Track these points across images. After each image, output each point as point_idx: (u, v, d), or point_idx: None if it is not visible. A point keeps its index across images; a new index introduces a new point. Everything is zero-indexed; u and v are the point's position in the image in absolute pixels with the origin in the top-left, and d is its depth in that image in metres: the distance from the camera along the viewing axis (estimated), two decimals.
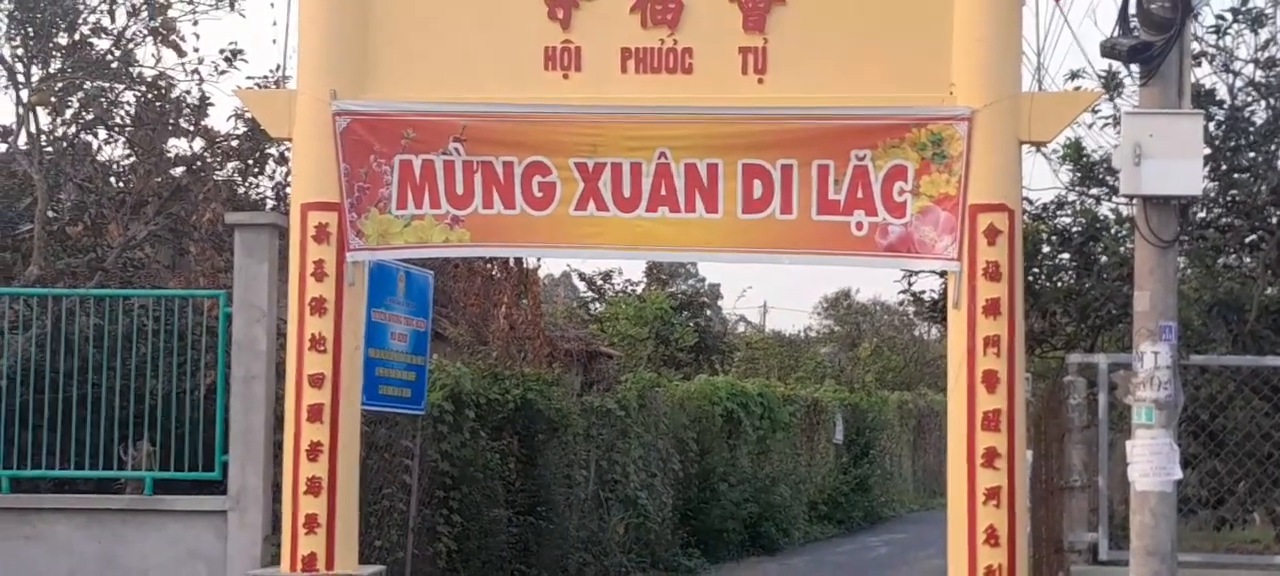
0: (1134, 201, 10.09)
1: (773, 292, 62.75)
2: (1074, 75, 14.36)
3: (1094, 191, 14.76)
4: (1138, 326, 10.03)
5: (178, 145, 15.57)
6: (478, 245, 11.32)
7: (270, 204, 15.32)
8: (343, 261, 10.79)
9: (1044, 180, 64.77)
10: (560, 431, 15.84)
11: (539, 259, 20.24)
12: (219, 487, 11.53)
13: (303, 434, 10.76)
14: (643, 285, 31.63)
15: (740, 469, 21.66)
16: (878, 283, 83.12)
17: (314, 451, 10.78)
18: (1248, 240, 13.91)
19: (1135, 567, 9.89)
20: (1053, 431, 11.44)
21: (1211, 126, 13.52)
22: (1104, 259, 14.30)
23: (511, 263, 19.61)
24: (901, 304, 26.29)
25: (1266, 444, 11.35)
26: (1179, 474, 9.96)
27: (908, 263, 11.92)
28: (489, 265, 19.01)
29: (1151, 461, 9.88)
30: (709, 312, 35.53)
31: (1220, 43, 13.79)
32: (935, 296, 16.17)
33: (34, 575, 11.48)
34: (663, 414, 19.74)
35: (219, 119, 42.86)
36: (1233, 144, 13.71)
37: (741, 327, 41.72)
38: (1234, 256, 13.88)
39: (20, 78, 14.73)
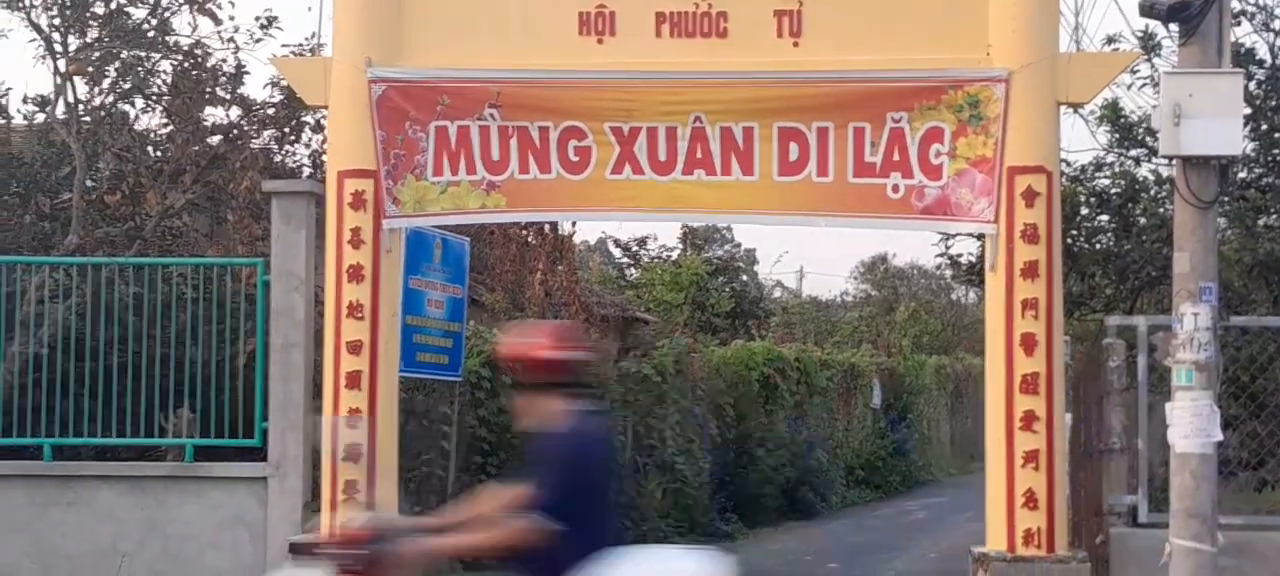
0: (1173, 162, 10.03)
1: (809, 258, 62.67)
2: (1110, 40, 14.26)
3: (1133, 152, 14.68)
4: (1177, 288, 9.97)
5: (214, 114, 15.62)
6: (514, 211, 11.34)
7: (307, 172, 15.36)
8: (379, 229, 10.83)
9: (1082, 141, 64.43)
10: (600, 397, 15.88)
11: (574, 224, 20.27)
12: (259, 454, 11.61)
13: (341, 401, 10.82)
14: (678, 251, 31.61)
15: (777, 434, 21.64)
16: (915, 246, 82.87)
17: (352, 417, 10.83)
18: None
19: (1175, 529, 9.86)
20: (1091, 394, 11.39)
21: (1251, 85, 13.41)
22: (1143, 220, 14.22)
23: (547, 229, 19.62)
24: (938, 268, 26.24)
25: None
26: (1219, 435, 9.91)
27: (944, 225, 11.88)
28: (524, 231, 19.02)
29: (1192, 423, 9.83)
30: (745, 277, 35.49)
31: (1260, 1, 13.66)
32: (973, 259, 16.11)
33: (78, 541, 11.59)
34: (699, 379, 19.73)
35: (255, 87, 43.06)
36: (1273, 103, 13.60)
37: (777, 293, 41.66)
38: (1275, 217, 13.77)
39: (57, 47, 14.80)
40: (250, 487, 11.55)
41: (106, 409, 11.75)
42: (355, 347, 10.75)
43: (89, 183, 14.62)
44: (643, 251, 31.43)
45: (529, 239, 19.25)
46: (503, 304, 17.51)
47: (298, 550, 11.06)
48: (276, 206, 11.79)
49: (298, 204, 11.75)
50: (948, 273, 21.53)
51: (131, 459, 11.90)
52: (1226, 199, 12.66)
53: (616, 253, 32.21)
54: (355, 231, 10.80)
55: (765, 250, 77.21)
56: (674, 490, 18.05)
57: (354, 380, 10.77)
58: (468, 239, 12.50)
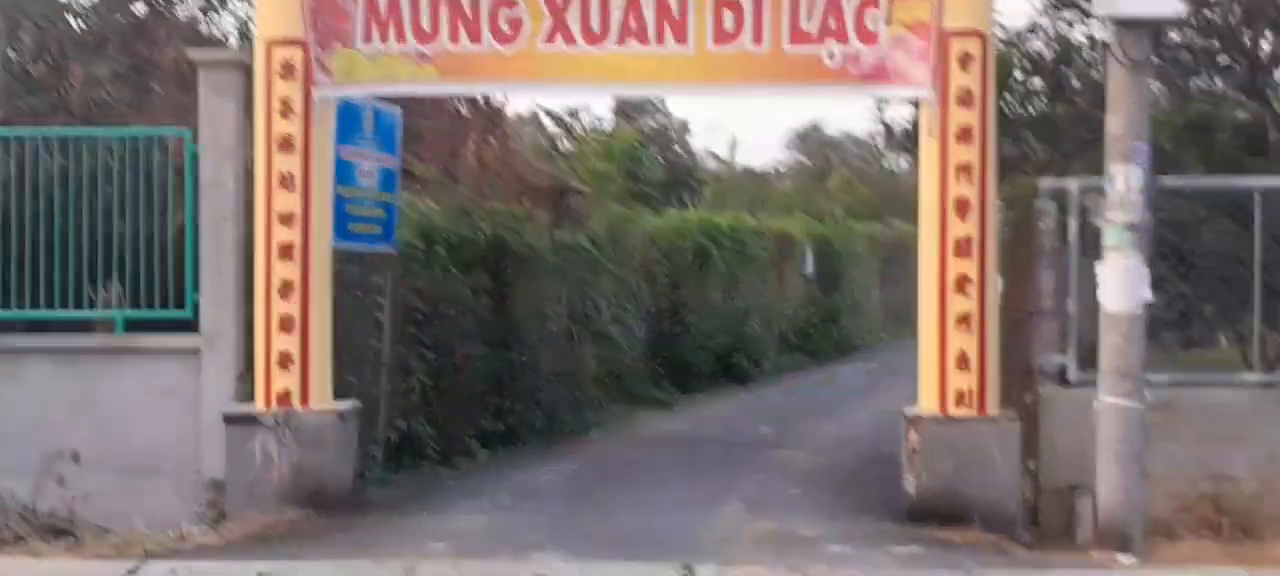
0: (1108, 24, 10.03)
1: (741, 127, 62.61)
2: None
3: (1066, 15, 14.68)
4: (1110, 149, 10.04)
5: None
6: (445, 82, 11.25)
7: (234, 42, 15.11)
8: (309, 99, 10.70)
9: (1016, 5, 64.23)
10: (532, 267, 15.83)
11: (507, 95, 20.09)
12: (191, 327, 11.51)
13: (274, 272, 10.76)
14: (611, 122, 31.49)
15: (711, 302, 21.74)
16: (847, 115, 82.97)
17: (286, 289, 10.78)
18: (1220, 62, 13.87)
19: (1104, 387, 10.01)
20: (1023, 257, 11.49)
21: None
22: (1077, 84, 14.27)
23: (480, 100, 19.43)
24: (872, 136, 26.30)
25: (1234, 265, 11.40)
26: (1149, 295, 10.04)
27: (881, 91, 11.94)
28: (456, 103, 18.83)
29: (1122, 283, 9.95)
30: (677, 148, 35.44)
31: None
32: (907, 126, 16.14)
33: (11, 415, 11.50)
34: (634, 249, 19.76)
35: None
36: None
37: (711, 163, 41.64)
38: (1206, 79, 13.86)
39: None
40: (182, 360, 11.47)
41: (34, 283, 11.60)
42: (287, 219, 10.67)
43: (11, 53, 14.31)
44: (575, 122, 31.29)
45: (461, 110, 19.06)
46: (435, 175, 17.38)
47: (232, 420, 11.07)
48: (204, 77, 11.60)
49: (225, 74, 11.55)
50: (881, 140, 21.58)
51: (61, 332, 11.77)
52: (1159, 61, 12.70)
53: (548, 123, 32.04)
54: (285, 102, 10.68)
55: (698, 121, 76.90)
56: (609, 358, 18.11)
57: (286, 251, 10.70)
58: (399, 110, 12.36)
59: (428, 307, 13.78)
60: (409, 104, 13.00)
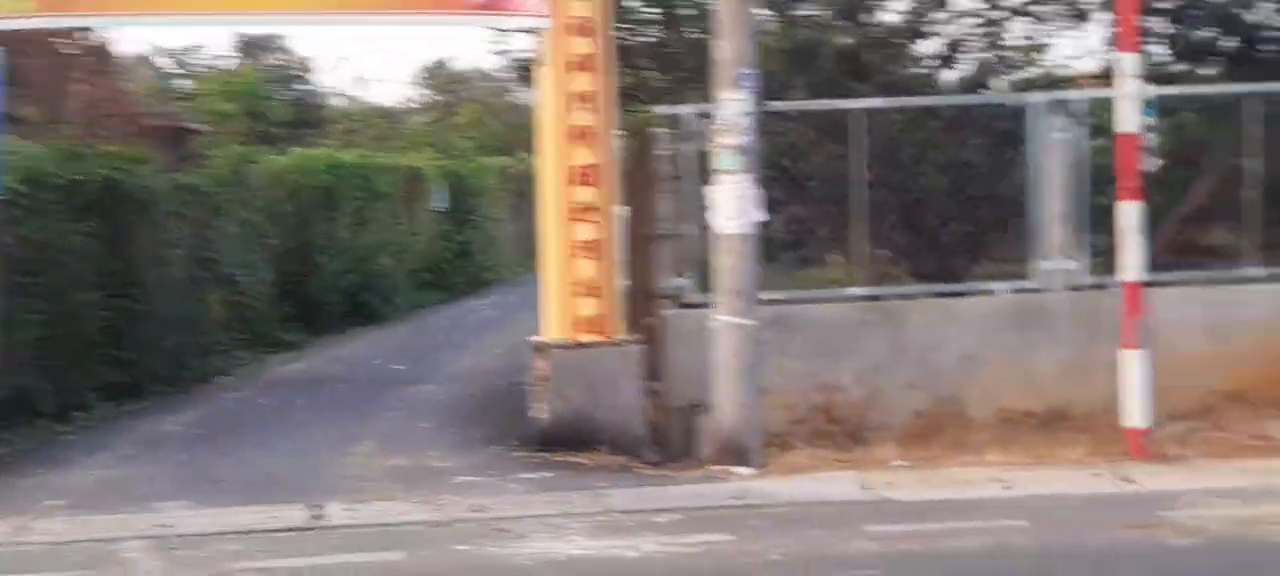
0: None
1: (370, 64, 61.84)
2: None
3: None
4: (719, 75, 10.33)
5: None
6: (45, 15, 10.78)
7: None
8: None
9: None
10: (149, 211, 15.28)
11: (115, 30, 19.27)
12: None
13: None
14: (233, 60, 30.58)
15: (340, 241, 21.43)
16: (477, 51, 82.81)
17: None
18: None
19: (720, 308, 10.34)
20: (643, 183, 11.73)
21: None
22: (689, 11, 14.59)
23: (88, 37, 18.60)
24: (499, 70, 26.28)
25: (842, 186, 11.91)
26: (760, 216, 10.39)
27: (497, 20, 11.98)
28: (61, 39, 17.96)
29: (734, 205, 10.28)
30: (301, 86, 34.73)
31: None
32: (529, 57, 16.15)
33: None
34: (258, 189, 19.28)
35: None
36: None
37: (340, 101, 40.97)
38: (812, 5, 14.36)
39: None
40: None
41: None
42: None
43: None
44: (194, 60, 30.28)
45: (63, 49, 18.19)
46: (41, 117, 16.57)
47: None
48: None
49: None
50: (507, 74, 21.59)
51: None
52: None
53: (165, 61, 30.92)
54: None
55: (326, 58, 75.46)
56: (235, 303, 17.68)
57: None
58: (2, 49, 11.68)
59: (36, 256, 13.16)
60: (10, 41, 12.32)
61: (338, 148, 27.07)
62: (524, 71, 16.76)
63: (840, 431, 10.97)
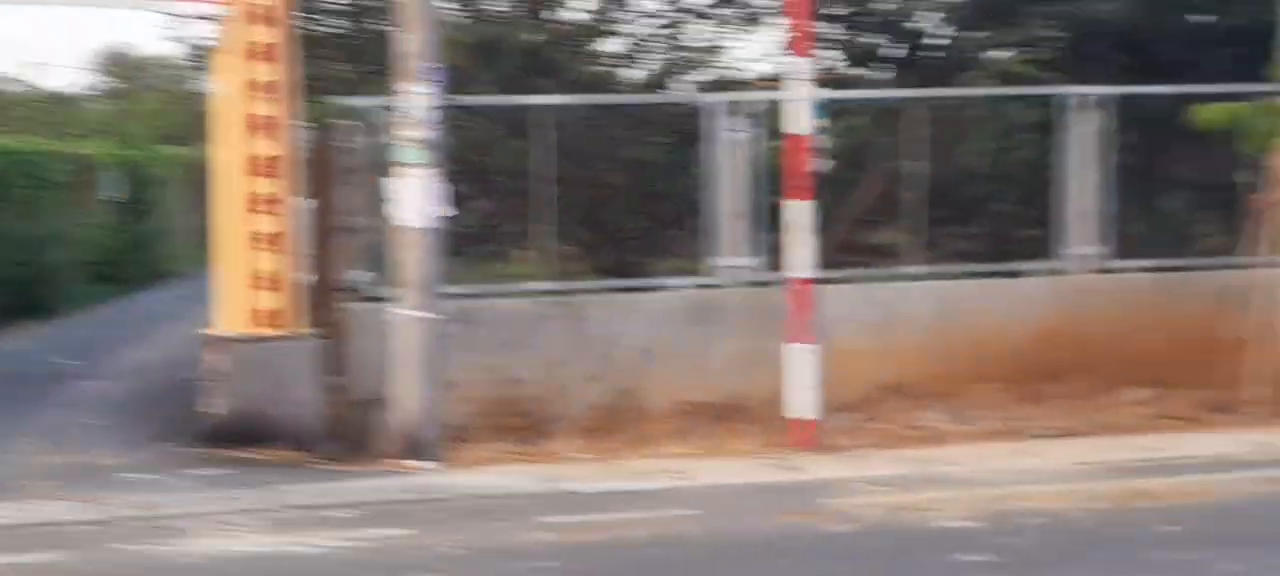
0: None
1: (44, 50, 59.14)
2: None
3: None
4: (402, 68, 10.28)
5: None
6: None
7: None
8: None
9: None
10: None
11: None
12: None
13: None
14: None
15: (4, 232, 20.46)
16: (156, 36, 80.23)
17: None
18: None
19: (402, 301, 10.29)
20: (326, 176, 11.57)
21: None
22: (376, 4, 14.46)
23: None
24: (180, 57, 25.48)
25: (527, 182, 11.98)
26: (444, 210, 10.38)
27: (173, 4, 11.64)
28: None
29: (415, 199, 10.24)
30: None
31: None
32: (208, 45, 15.72)
33: None
34: None
35: None
36: None
37: (11, 87, 39.15)
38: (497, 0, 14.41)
39: None
40: None
41: None
42: None
43: None
44: None
45: None
46: None
47: None
48: None
49: None
50: (187, 62, 20.94)
51: None
52: None
53: None
54: None
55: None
56: None
57: None
58: None
59: None
60: None
61: (7, 134, 25.83)
62: (203, 59, 16.34)
63: (523, 424, 11.03)
